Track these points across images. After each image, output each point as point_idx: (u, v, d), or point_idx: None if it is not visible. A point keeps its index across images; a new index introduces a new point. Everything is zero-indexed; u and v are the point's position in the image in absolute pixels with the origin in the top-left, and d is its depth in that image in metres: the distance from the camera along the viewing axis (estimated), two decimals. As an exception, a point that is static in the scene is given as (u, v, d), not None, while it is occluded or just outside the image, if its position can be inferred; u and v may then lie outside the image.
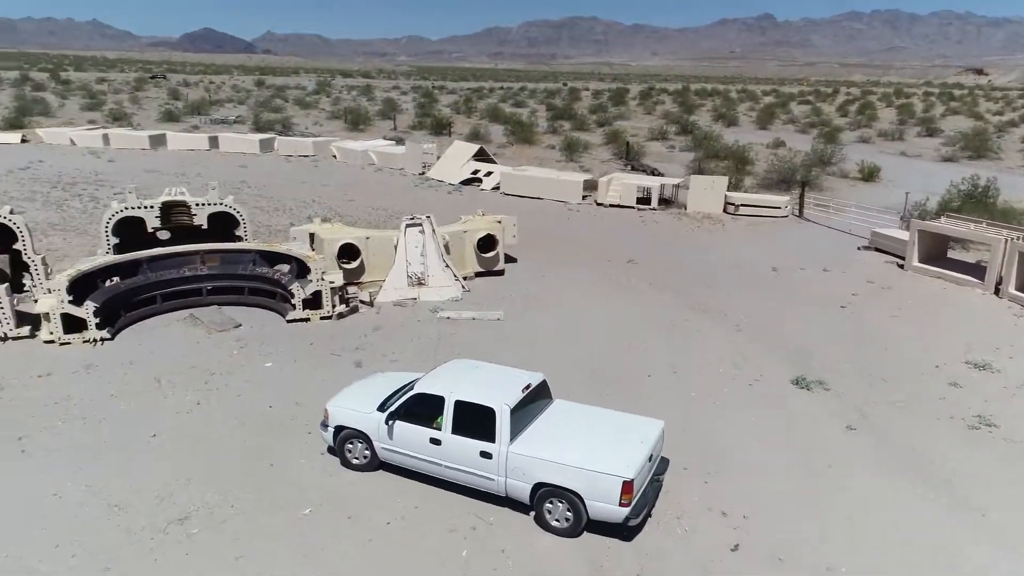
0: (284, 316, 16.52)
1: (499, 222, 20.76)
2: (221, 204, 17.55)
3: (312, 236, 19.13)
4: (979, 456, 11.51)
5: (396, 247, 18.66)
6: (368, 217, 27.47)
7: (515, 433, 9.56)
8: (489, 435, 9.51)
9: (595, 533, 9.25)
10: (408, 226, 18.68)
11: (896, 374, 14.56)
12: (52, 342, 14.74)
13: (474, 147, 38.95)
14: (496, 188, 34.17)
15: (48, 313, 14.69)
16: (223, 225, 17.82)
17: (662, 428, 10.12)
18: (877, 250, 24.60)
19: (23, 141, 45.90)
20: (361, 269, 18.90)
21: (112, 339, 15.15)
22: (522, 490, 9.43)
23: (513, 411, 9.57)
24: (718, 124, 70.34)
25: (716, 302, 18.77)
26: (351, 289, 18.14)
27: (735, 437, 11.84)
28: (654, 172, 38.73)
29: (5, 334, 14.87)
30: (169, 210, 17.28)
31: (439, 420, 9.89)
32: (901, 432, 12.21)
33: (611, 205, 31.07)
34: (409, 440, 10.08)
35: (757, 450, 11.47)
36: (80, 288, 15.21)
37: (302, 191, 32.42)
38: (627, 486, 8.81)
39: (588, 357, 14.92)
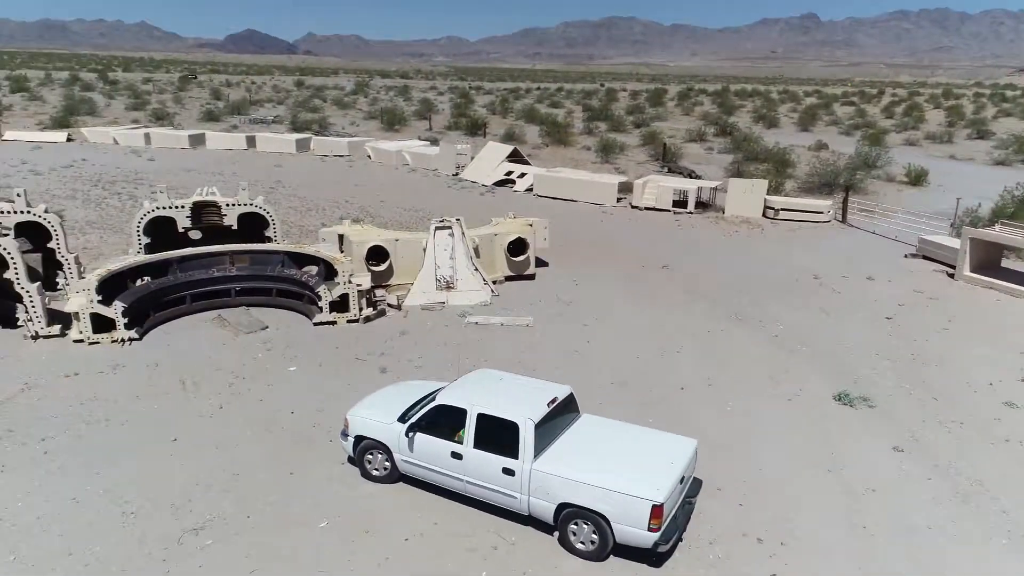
0: (311, 318, 16.36)
1: (530, 225, 20.38)
2: (251, 204, 17.50)
3: (341, 237, 18.97)
4: (1038, 484, 10.74)
5: (425, 250, 18.39)
6: (399, 218, 27.30)
7: (539, 450, 9.14)
8: (512, 451, 9.11)
9: (622, 557, 8.78)
10: (437, 228, 18.39)
11: (945, 392, 13.77)
12: (81, 341, 14.79)
13: (508, 148, 38.67)
14: (529, 190, 33.79)
15: (78, 312, 14.75)
16: (253, 225, 17.77)
17: (695, 447, 9.61)
18: (925, 258, 23.59)
19: (68, 140, 47.00)
20: (389, 272, 18.67)
21: (140, 339, 15.15)
22: (546, 510, 9.01)
23: (538, 426, 9.16)
24: (758, 125, 68.99)
25: (753, 311, 18.09)
26: (378, 292, 17.93)
27: (772, 456, 11.25)
28: (691, 174, 37.96)
29: (36, 332, 14.96)
30: (200, 210, 17.30)
31: (461, 433, 9.52)
32: (952, 455, 11.47)
33: (646, 208, 30.46)
34: (429, 453, 9.74)
35: (796, 471, 10.87)
36: (110, 288, 15.25)
37: (335, 191, 32.42)
38: (656, 510, 8.33)
39: (619, 367, 14.43)
